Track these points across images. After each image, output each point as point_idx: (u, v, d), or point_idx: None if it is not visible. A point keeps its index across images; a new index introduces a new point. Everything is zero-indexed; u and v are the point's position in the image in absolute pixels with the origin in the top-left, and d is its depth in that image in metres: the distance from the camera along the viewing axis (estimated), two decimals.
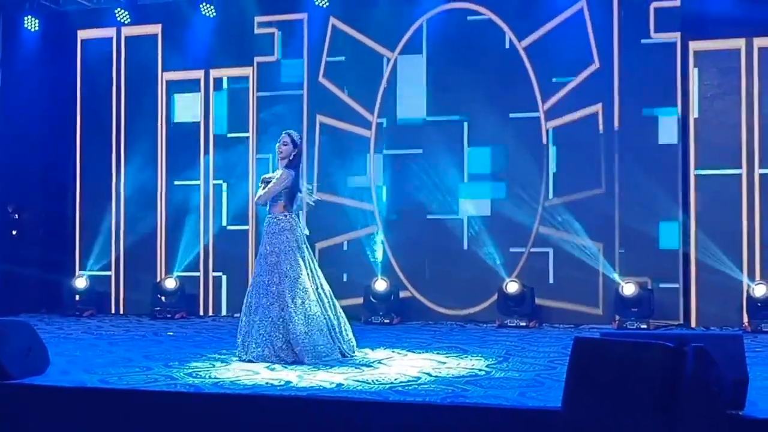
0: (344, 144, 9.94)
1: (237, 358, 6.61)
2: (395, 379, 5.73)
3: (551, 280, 9.32)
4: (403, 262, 9.73)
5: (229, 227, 10.34)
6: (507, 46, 9.50)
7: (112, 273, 10.64)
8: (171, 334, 8.58)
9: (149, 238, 10.52)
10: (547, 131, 9.38)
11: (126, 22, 10.49)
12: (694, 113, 9.02)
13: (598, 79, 9.21)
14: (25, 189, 10.52)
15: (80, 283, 10.37)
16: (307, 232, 6.96)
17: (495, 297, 9.19)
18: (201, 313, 10.29)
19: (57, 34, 10.77)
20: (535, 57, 9.41)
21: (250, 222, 10.18)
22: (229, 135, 10.40)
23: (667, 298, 8.92)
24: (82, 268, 10.62)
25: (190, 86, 10.49)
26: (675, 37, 9.02)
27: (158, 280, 10.31)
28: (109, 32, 10.74)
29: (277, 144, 6.84)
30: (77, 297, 10.36)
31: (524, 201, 9.39)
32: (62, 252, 10.79)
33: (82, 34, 10.86)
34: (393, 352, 7.09)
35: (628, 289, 8.75)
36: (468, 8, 9.63)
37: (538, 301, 9.17)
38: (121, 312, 10.58)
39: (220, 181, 10.43)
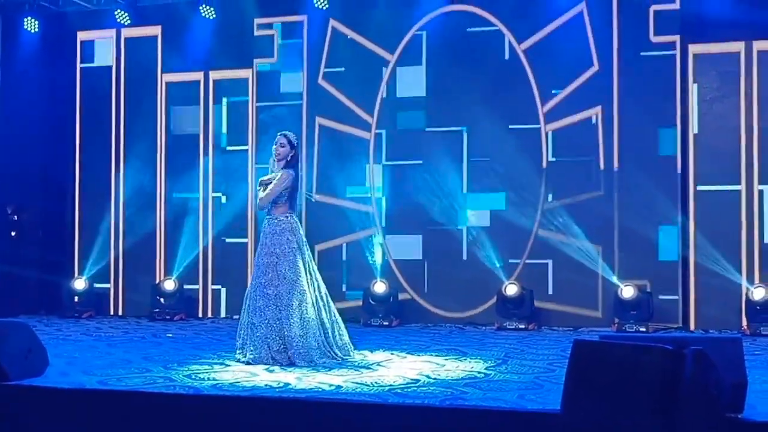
0: (344, 146, 9.94)
1: (236, 360, 6.61)
2: (394, 382, 5.73)
3: (550, 283, 9.31)
4: (402, 265, 9.72)
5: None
6: (506, 48, 9.50)
7: (111, 274, 10.63)
8: (170, 335, 8.58)
9: (148, 240, 10.51)
10: (547, 134, 9.38)
11: (126, 23, 10.49)
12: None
13: (598, 82, 9.21)
14: (24, 190, 10.52)
15: (79, 284, 10.36)
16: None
17: (494, 299, 9.19)
18: (200, 315, 10.28)
19: (57, 36, 10.77)
20: (534, 60, 9.41)
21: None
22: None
23: (666, 301, 8.92)
24: (81, 269, 10.61)
25: (190, 89, 10.48)
26: (674, 40, 9.02)
27: (157, 281, 10.31)
28: (109, 33, 10.75)
29: (274, 146, 6.81)
30: (76, 298, 10.35)
31: (523, 207, 9.36)
32: (61, 253, 10.79)
33: (82, 36, 10.87)
34: (392, 354, 7.09)
35: (628, 292, 8.75)
36: (468, 11, 9.63)
37: (537, 303, 9.16)
38: (120, 314, 10.57)
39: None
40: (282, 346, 6.45)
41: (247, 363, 6.44)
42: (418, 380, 5.81)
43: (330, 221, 9.82)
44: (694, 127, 9.02)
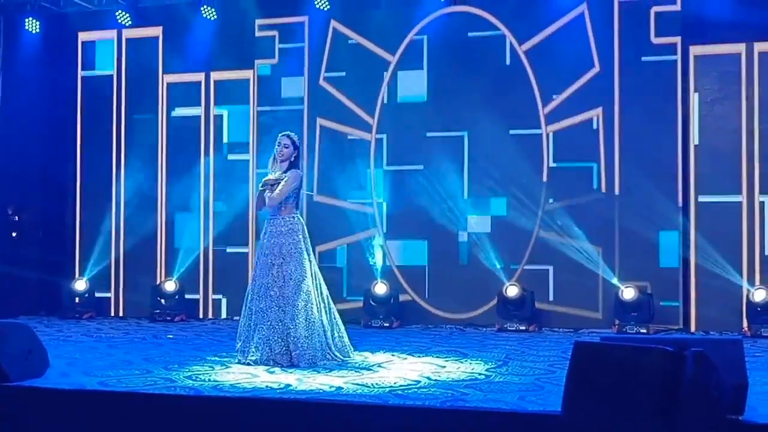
0: (344, 147, 9.93)
1: (237, 362, 6.60)
2: (395, 383, 5.73)
3: (551, 286, 9.30)
4: (404, 268, 9.72)
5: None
6: (507, 52, 9.48)
7: (111, 275, 10.63)
8: (171, 336, 8.57)
9: (149, 241, 10.51)
10: (548, 135, 9.38)
11: (127, 24, 10.49)
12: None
13: (599, 83, 9.21)
14: (25, 191, 10.51)
15: (80, 285, 10.36)
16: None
17: (495, 301, 9.18)
18: (201, 316, 10.28)
19: (58, 36, 10.77)
20: (535, 61, 9.40)
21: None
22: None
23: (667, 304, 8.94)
24: (82, 270, 10.61)
25: (191, 90, 10.48)
26: (675, 41, 9.02)
27: (158, 282, 10.31)
28: (110, 34, 10.75)
29: (277, 146, 6.79)
30: (77, 299, 10.34)
31: (524, 210, 9.35)
32: (62, 254, 10.78)
33: (83, 36, 10.87)
34: (393, 355, 7.09)
35: (628, 293, 8.74)
36: (468, 12, 9.63)
37: (537, 305, 9.16)
38: (121, 314, 10.57)
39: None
40: (284, 348, 6.43)
41: (248, 364, 6.44)
42: (418, 381, 5.81)
43: (331, 222, 9.82)
44: (694, 129, 9.01)
